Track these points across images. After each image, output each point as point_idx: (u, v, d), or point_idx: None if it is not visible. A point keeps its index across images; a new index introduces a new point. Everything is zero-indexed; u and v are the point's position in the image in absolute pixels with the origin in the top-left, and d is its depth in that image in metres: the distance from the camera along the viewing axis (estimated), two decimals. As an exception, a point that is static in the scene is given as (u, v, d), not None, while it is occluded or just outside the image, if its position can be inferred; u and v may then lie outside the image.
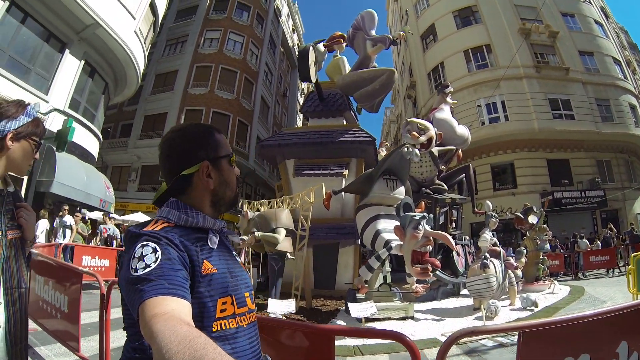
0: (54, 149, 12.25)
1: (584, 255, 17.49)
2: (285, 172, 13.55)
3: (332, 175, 12.32)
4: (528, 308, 9.10)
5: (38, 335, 5.43)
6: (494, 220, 11.09)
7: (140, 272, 1.09)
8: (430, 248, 7.61)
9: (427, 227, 7.35)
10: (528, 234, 13.24)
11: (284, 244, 9.19)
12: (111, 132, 29.83)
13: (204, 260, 1.26)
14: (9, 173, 2.00)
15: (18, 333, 1.89)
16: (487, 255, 9.23)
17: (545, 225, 13.44)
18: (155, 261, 1.11)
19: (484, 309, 7.90)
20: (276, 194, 14.27)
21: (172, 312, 0.98)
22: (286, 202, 10.69)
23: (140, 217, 21.10)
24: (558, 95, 26.46)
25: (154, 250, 1.14)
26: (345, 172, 12.43)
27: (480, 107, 26.60)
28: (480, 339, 6.45)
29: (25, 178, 11.86)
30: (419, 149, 9.27)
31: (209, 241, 1.35)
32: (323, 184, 10.14)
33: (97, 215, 18.37)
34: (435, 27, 31.40)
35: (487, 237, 10.19)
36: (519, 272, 10.84)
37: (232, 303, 1.30)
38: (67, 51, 14.10)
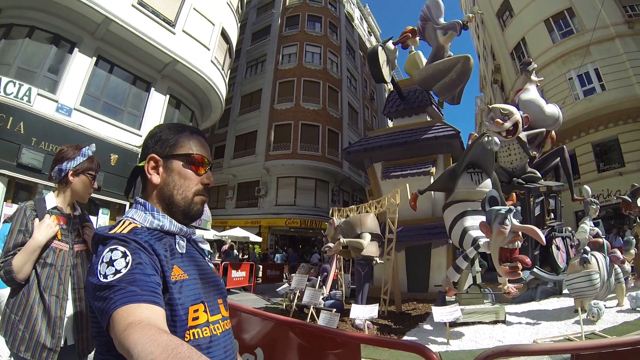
0: None
1: None
2: (374, 176, 13.58)
3: (419, 174, 12.15)
4: (638, 309, 7.87)
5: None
6: (594, 207, 10.03)
7: (110, 279, 1.05)
8: (520, 244, 6.96)
9: (515, 221, 6.73)
10: (638, 220, 11.71)
11: (370, 248, 9.13)
12: (206, 155, 31.52)
13: (174, 266, 1.25)
14: (76, 200, 2.66)
15: (84, 323, 2.43)
16: (588, 248, 8.15)
17: None
18: (126, 266, 1.07)
19: (585, 311, 7.23)
20: (367, 199, 14.29)
21: (148, 320, 0.96)
22: (373, 206, 10.76)
23: (238, 232, 22.32)
24: None
25: (124, 255, 1.10)
26: (433, 169, 12.20)
27: (572, 80, 23.87)
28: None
29: (127, 204, 13.36)
30: (504, 137, 8.86)
31: (176, 246, 1.34)
32: (407, 185, 10.02)
33: (199, 233, 19.67)
34: (510, 1, 29.01)
35: (586, 227, 9.22)
36: (628, 267, 9.31)
37: (205, 310, 1.27)
38: (152, 89, 15.82)
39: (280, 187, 28.78)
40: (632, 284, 9.64)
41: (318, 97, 30.38)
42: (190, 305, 1.23)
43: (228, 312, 1.47)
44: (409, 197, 9.65)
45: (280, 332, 2.90)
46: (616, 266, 8.42)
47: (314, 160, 28.55)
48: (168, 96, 16.61)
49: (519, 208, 8.58)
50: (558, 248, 11.33)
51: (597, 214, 10.08)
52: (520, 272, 6.72)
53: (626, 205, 11.70)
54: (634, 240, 10.19)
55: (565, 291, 10.54)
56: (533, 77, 13.42)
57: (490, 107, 10.62)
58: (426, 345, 1.74)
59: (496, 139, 8.32)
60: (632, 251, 9.75)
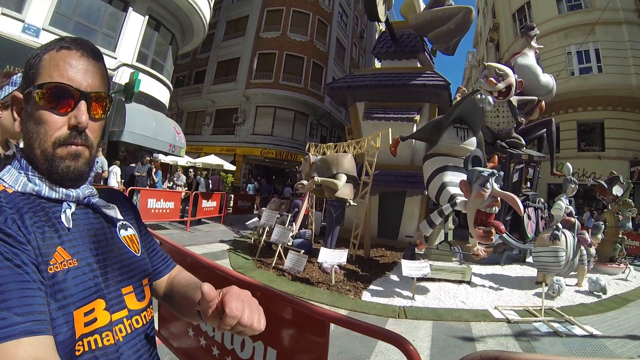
0: (123, 100, 13.30)
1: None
2: (356, 115, 13.21)
3: (403, 120, 11.84)
4: (595, 293, 8.04)
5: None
6: (572, 186, 9.83)
7: None
8: (497, 210, 6.89)
9: (496, 186, 6.65)
10: (610, 207, 11.75)
11: (344, 190, 8.82)
12: (185, 79, 31.24)
13: (58, 248, 0.87)
14: (8, 138, 2.15)
15: None
16: (560, 225, 8.35)
17: (630, 200, 11.80)
18: None
19: (547, 286, 7.27)
20: (346, 137, 13.92)
21: None
22: (352, 147, 10.35)
23: (213, 159, 21.94)
24: None
25: None
26: (417, 117, 11.88)
27: (571, 55, 23.49)
28: (535, 321, 6.01)
29: None
30: (496, 97, 8.52)
31: (62, 217, 0.93)
32: (390, 129, 9.64)
33: (171, 159, 19.24)
34: (522, -39, 27.80)
35: (562, 204, 8.98)
36: (593, 250, 9.48)
37: (107, 308, 0.93)
38: (130, 9, 14.74)
39: (259, 116, 28.41)
40: (592, 266, 9.75)
41: (306, 28, 29.43)
42: (75, 309, 0.85)
43: (146, 300, 1.10)
44: (390, 142, 9.37)
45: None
46: (582, 247, 8.70)
47: (295, 92, 28.02)
48: (147, 17, 15.56)
49: (502, 173, 8.38)
50: (529, 217, 11.48)
51: (574, 193, 9.93)
52: (492, 237, 6.62)
53: (601, 190, 11.88)
54: (603, 226, 10.34)
55: (528, 260, 10.84)
56: (533, 44, 13.05)
57: (486, 64, 10.22)
58: (404, 337, 1.41)
59: (490, 98, 8.02)
60: (599, 236, 9.89)
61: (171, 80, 18.92)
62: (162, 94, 17.25)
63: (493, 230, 6.57)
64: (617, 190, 11.57)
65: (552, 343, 5.22)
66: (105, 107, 1.02)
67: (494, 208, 6.67)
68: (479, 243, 7.58)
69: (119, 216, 1.08)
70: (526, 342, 5.19)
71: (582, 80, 22.98)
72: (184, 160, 20.82)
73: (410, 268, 7.04)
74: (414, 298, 6.76)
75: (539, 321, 6.00)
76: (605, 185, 11.72)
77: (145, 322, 1.06)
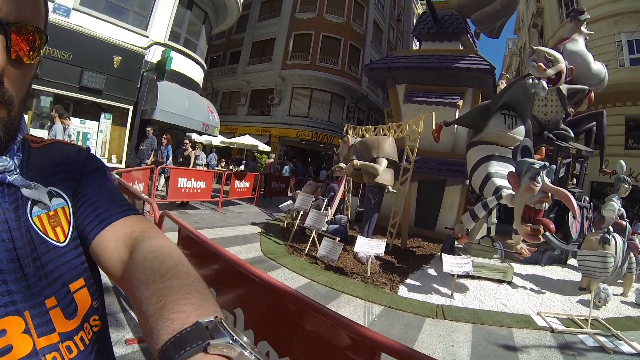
0: (155, 78, 13.32)
1: None
2: (396, 98, 12.83)
3: (445, 104, 11.42)
4: None
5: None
6: (625, 186, 8.97)
7: None
8: (547, 206, 6.46)
9: (547, 180, 6.17)
10: None
11: (384, 176, 8.47)
12: (220, 60, 31.28)
13: None
14: None
15: None
16: (611, 228, 7.73)
17: None
18: None
19: (593, 294, 6.65)
20: (385, 121, 13.52)
21: None
22: (392, 130, 9.93)
23: (248, 139, 21.80)
24: None
25: None
26: (460, 102, 11.41)
27: (621, 44, 21.98)
28: (580, 332, 5.60)
29: (131, 108, 13.20)
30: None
31: None
32: (433, 113, 9.25)
33: (205, 138, 19.19)
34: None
35: (616, 205, 8.27)
36: None
37: (27, 330, 0.67)
38: None
39: (295, 97, 28.11)
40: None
41: (343, 9, 28.62)
42: None
43: (78, 317, 0.78)
44: (433, 127, 8.98)
45: (270, 298, 2.09)
46: (632, 254, 8.06)
47: (332, 74, 27.46)
48: None
49: (554, 166, 7.89)
50: (574, 217, 10.73)
51: (627, 193, 9.09)
52: (540, 236, 6.21)
53: None
54: None
55: (570, 262, 10.41)
56: (583, 29, 12.27)
57: (535, 48, 9.70)
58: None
59: (544, 83, 7.55)
60: None
61: (205, 60, 18.76)
62: (196, 73, 17.10)
63: (542, 229, 6.15)
64: None
65: (599, 358, 4.87)
66: (35, 46, 0.71)
67: (544, 204, 6.25)
68: (523, 241, 7.15)
69: (41, 196, 0.78)
70: (571, 356, 4.82)
71: (633, 72, 21.47)
72: (218, 140, 20.81)
73: (451, 264, 6.73)
74: (453, 296, 6.48)
75: (585, 333, 5.60)
76: None
77: (80, 350, 0.76)
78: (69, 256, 0.80)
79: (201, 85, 18.36)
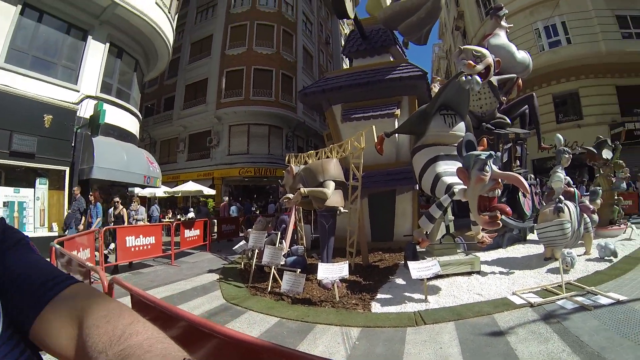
0: (90, 134, 12.71)
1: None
2: (333, 119, 12.70)
3: (383, 116, 11.34)
4: (606, 258, 8.02)
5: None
6: (567, 156, 9.58)
7: None
8: (499, 192, 6.65)
9: (495, 168, 6.44)
10: (602, 171, 11.87)
11: (334, 198, 8.24)
12: (155, 107, 30.88)
13: None
14: None
15: None
16: (562, 197, 8.27)
17: (621, 161, 11.96)
18: None
19: (560, 260, 6.88)
20: (326, 144, 13.39)
21: None
22: (334, 151, 9.85)
23: (191, 185, 21.27)
24: (628, 12, 22.67)
25: None
26: (397, 111, 11.39)
27: (538, 31, 24.10)
28: (558, 299, 5.80)
29: (67, 169, 12.41)
30: (476, 80, 8.20)
31: None
32: (373, 127, 9.19)
33: (148, 191, 18.54)
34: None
35: (562, 176, 8.95)
36: (595, 216, 9.52)
37: None
38: (89, 37, 13.82)
39: (233, 135, 27.85)
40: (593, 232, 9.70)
41: (272, 40, 29.04)
42: None
43: None
44: (375, 140, 8.94)
45: (239, 354, 1.72)
46: (585, 215, 8.76)
47: (267, 106, 27.55)
48: (108, 44, 14.53)
49: (499, 154, 8.00)
50: (524, 195, 11.40)
51: (568, 163, 9.70)
52: (499, 221, 6.41)
53: (591, 156, 12.04)
54: (600, 190, 10.33)
55: (529, 237, 11.26)
56: (503, 23, 13.19)
57: (462, 47, 10.15)
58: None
59: (477, 78, 7.81)
60: (599, 201, 9.93)
61: (140, 110, 18.16)
62: (131, 124, 16.44)
63: (499, 214, 6.36)
64: (606, 154, 11.73)
65: (584, 319, 5.00)
66: None
67: (496, 191, 6.56)
68: (482, 229, 7.31)
69: None
70: (556, 323, 4.93)
71: (553, 54, 23.55)
72: (161, 191, 20.12)
73: (418, 269, 6.59)
74: (427, 300, 6.36)
75: (562, 298, 5.81)
76: (595, 151, 11.85)
77: None
78: (2, 351, 0.71)
79: (138, 137, 17.70)
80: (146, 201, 15.38)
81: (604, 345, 4.19)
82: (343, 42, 43.16)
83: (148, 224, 13.31)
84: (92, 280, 4.12)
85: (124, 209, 12.23)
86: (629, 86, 22.65)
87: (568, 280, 6.48)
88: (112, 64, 15.02)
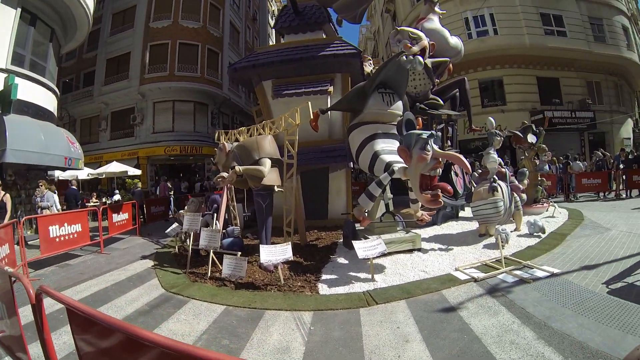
0: (0, 112, 11.43)
1: (576, 177, 17.27)
2: (264, 95, 12.32)
3: (315, 93, 11.01)
4: (535, 234, 8.65)
5: None
6: (498, 138, 10.23)
7: None
8: (440, 171, 6.71)
9: (436, 147, 6.50)
10: (526, 154, 12.70)
11: (271, 176, 7.96)
12: (74, 83, 28.74)
13: None
14: None
15: None
16: (496, 177, 8.89)
17: (544, 146, 12.79)
18: None
19: (496, 237, 7.18)
20: (255, 120, 13.01)
21: None
22: (267, 128, 9.56)
23: (116, 166, 20.16)
24: (550, 10, 25.46)
25: None
26: (331, 88, 11.15)
27: (467, 20, 25.65)
28: (499, 274, 6.12)
29: None
30: (411, 60, 8.26)
31: None
32: (309, 103, 8.98)
33: (70, 174, 17.27)
34: None
35: (495, 156, 9.51)
36: (524, 196, 10.43)
37: None
38: None
39: (157, 113, 26.74)
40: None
41: (199, 14, 27.86)
42: None
43: None
44: (311, 117, 8.72)
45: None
46: (515, 194, 9.47)
47: (192, 82, 26.72)
48: (19, 10, 13.09)
49: (439, 134, 8.05)
50: (456, 174, 12.03)
51: (500, 145, 10.33)
52: (440, 199, 6.48)
53: (517, 139, 12.72)
54: (527, 172, 11.20)
55: (461, 214, 12.15)
56: (437, 9, 13.73)
57: (399, 29, 10.35)
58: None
59: (420, 58, 7.87)
60: (525, 181, 10.71)
61: (57, 85, 16.77)
62: (48, 101, 15.05)
63: (440, 193, 6.42)
64: (531, 138, 12.52)
65: (525, 291, 5.32)
66: None
67: (437, 170, 6.58)
68: (422, 207, 7.43)
69: None
70: (502, 297, 5.19)
71: (480, 42, 25.26)
72: (85, 173, 18.87)
73: (364, 249, 6.56)
74: (374, 279, 6.34)
75: (502, 273, 6.12)
76: (521, 134, 12.54)
77: None
78: None
79: (56, 115, 16.31)
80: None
81: (548, 315, 4.48)
82: (270, 20, 42.93)
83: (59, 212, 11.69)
84: (13, 290, 3.40)
85: (7, 195, 10.23)
86: (548, 77, 25.66)
87: (505, 255, 6.72)
88: (24, 33, 13.62)
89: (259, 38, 39.88)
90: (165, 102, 26.65)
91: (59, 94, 16.87)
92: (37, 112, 13.75)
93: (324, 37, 12.97)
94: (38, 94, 14.12)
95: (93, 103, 27.88)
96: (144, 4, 27.28)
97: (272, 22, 41.99)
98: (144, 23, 27.00)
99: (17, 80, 12.15)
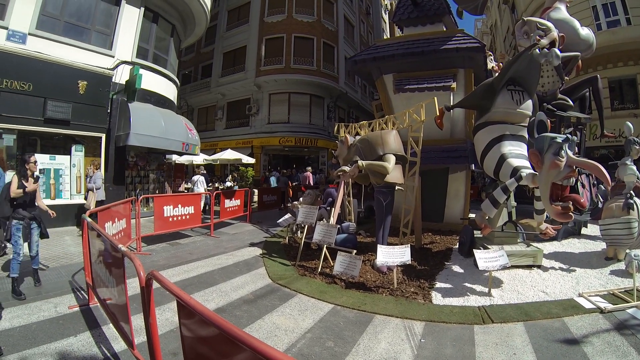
0: (126, 100, 12.50)
1: None
2: (384, 89, 12.02)
3: (438, 89, 10.57)
4: None
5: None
6: (637, 147, 8.57)
7: None
8: (574, 181, 5.98)
9: (571, 154, 5.70)
10: None
11: (394, 173, 7.68)
12: (192, 75, 30.66)
13: None
14: None
15: None
16: (632, 193, 7.42)
17: None
18: None
19: (627, 263, 6.40)
20: (375, 114, 12.81)
21: None
22: (391, 122, 9.22)
23: (230, 154, 20.85)
24: None
25: None
26: (454, 84, 10.63)
27: (596, 8, 22.04)
28: (629, 307, 5.27)
29: (104, 136, 12.35)
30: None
31: None
32: (435, 99, 8.49)
33: (186, 158, 18.28)
34: None
35: (634, 168, 7.95)
36: None
37: None
38: (123, 2, 13.51)
39: (273, 104, 27.53)
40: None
41: (312, 8, 28.20)
42: None
43: None
44: (437, 114, 8.31)
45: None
46: None
47: (308, 75, 26.99)
48: (143, 9, 14.26)
49: (575, 138, 7.35)
50: (583, 186, 10.52)
51: (638, 155, 8.68)
52: (571, 213, 5.73)
53: None
54: None
55: (583, 231, 10.49)
56: None
57: (526, 19, 9.46)
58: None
59: (557, 51, 7.08)
60: None
61: (177, 77, 17.91)
62: (169, 90, 16.20)
63: (571, 206, 5.69)
64: None
65: None
66: None
67: (571, 180, 6.01)
68: (549, 220, 6.89)
69: None
70: (631, 336, 4.44)
71: (611, 35, 21.41)
72: (200, 159, 19.93)
73: (485, 260, 6.09)
74: (491, 294, 5.87)
75: (633, 307, 5.27)
76: None
77: None
78: None
79: (175, 103, 17.44)
80: (184, 169, 14.66)
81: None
82: (384, 14, 42.27)
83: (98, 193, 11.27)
84: (124, 265, 3.61)
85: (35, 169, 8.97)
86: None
87: (637, 287, 5.79)
88: (147, 29, 14.80)
89: (373, 32, 39.67)
90: (281, 93, 27.31)
91: (178, 84, 17.99)
92: (158, 100, 14.86)
93: (444, 29, 12.34)
94: (160, 84, 15.25)
95: (210, 93, 29.53)
96: (258, 0, 28.21)
97: (385, 17, 41.62)
98: (259, 18, 27.99)
99: (141, 71, 13.07)
